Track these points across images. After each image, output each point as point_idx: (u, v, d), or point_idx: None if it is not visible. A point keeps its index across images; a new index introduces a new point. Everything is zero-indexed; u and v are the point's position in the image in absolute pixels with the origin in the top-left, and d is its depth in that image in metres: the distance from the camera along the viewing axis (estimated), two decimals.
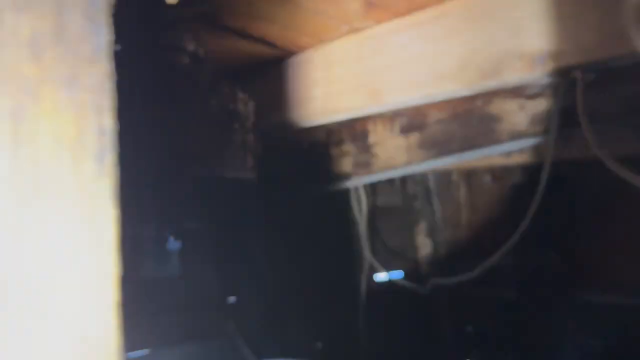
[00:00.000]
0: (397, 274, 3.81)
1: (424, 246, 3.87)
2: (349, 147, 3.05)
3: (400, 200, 4.19)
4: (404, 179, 3.50)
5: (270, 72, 2.04)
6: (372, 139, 2.94)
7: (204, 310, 3.07)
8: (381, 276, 3.77)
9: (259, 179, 3.51)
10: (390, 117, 2.83)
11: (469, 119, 2.37)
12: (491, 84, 1.51)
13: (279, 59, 1.95)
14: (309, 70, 1.86)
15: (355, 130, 2.98)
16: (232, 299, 3.28)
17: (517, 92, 1.91)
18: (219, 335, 3.10)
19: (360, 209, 3.54)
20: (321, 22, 1.62)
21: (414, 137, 2.86)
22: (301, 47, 1.84)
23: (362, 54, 1.69)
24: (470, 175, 3.56)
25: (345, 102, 1.74)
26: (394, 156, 2.90)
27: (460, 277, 2.85)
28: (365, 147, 2.97)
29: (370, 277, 3.71)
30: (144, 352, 2.81)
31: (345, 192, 3.53)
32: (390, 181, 3.35)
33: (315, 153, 3.19)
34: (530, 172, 2.54)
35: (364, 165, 3.00)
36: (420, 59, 1.56)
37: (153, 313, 2.85)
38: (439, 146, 2.77)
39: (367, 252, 3.59)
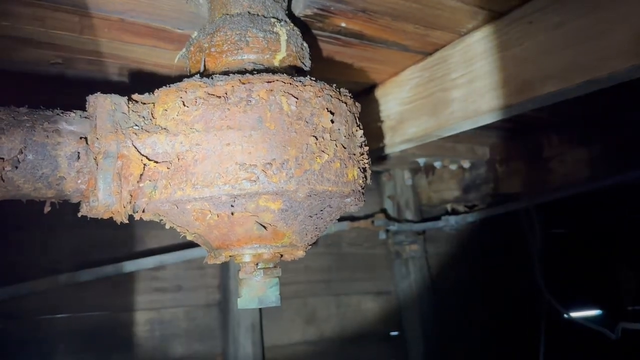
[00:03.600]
0: (586, 314, 3.26)
1: (627, 280, 3.24)
2: (517, 163, 2.68)
3: (584, 225, 3.64)
4: (590, 199, 2.98)
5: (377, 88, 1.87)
6: (546, 152, 2.55)
7: (366, 343, 2.92)
8: (564, 315, 3.25)
9: None
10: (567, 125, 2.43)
11: None
12: None
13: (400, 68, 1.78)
14: (443, 72, 1.64)
15: (525, 143, 2.62)
16: (394, 333, 3.11)
17: None
18: None
19: (534, 236, 3.10)
20: (460, 10, 1.40)
21: (597, 147, 2.42)
22: (436, 45, 1.63)
23: (507, 42, 1.42)
24: None
25: (489, 101, 1.48)
26: (573, 171, 2.48)
27: None
28: (538, 162, 2.59)
29: (549, 316, 3.20)
30: None
31: (514, 217, 3.14)
32: (572, 202, 2.87)
33: (475, 173, 2.88)
34: None
35: (537, 184, 2.60)
36: (581, 37, 1.24)
37: (312, 342, 2.79)
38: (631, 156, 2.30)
39: (542, 286, 3.11)
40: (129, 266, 2.13)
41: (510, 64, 1.43)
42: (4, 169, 0.91)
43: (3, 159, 0.91)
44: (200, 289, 2.52)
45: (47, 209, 1.04)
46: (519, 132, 2.60)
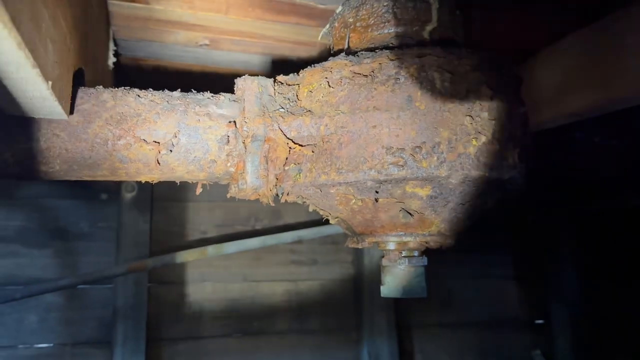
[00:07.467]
0: None
1: None
2: None
3: None
4: None
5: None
6: None
7: (507, 330, 2.76)
8: None
9: None
10: None
11: None
12: None
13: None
14: (613, 37, 1.40)
15: None
16: (539, 321, 2.90)
17: None
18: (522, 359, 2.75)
19: None
20: None
21: None
22: (604, 7, 1.39)
23: None
24: None
25: None
26: None
27: None
28: None
29: None
30: None
31: None
32: None
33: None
34: None
35: None
36: None
37: (449, 325, 2.69)
38: None
39: None
40: (269, 240, 2.20)
41: None
42: (159, 152, 0.94)
43: (159, 142, 0.94)
44: (335, 263, 2.54)
45: (198, 190, 1.07)
46: None
